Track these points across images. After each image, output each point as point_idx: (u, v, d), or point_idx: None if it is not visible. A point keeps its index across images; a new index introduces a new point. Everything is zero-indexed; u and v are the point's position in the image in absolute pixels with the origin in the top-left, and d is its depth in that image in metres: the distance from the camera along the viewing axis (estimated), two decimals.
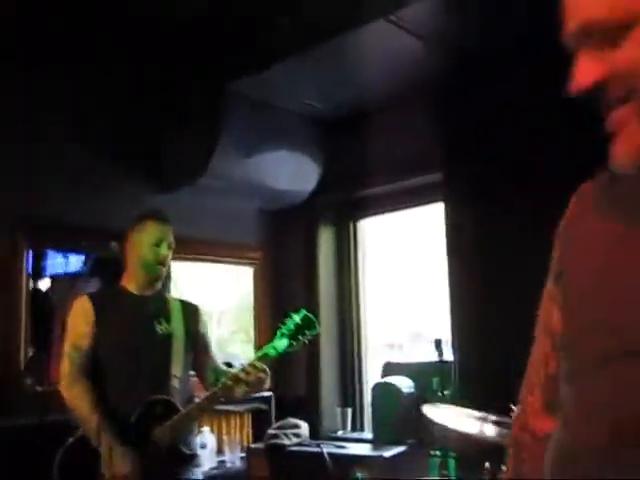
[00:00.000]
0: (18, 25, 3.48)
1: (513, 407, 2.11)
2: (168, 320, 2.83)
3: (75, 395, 2.66)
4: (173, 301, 2.94)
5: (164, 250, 2.84)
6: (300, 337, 2.74)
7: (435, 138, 3.87)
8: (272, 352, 2.69)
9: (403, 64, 3.69)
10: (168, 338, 2.79)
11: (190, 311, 2.93)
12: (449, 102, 3.74)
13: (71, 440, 2.61)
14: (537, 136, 3.34)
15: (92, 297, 2.86)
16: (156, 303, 2.87)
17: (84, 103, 3.96)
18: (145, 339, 2.76)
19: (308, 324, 2.77)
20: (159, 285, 2.93)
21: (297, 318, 2.77)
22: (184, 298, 3.04)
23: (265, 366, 2.67)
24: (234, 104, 3.97)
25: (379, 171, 4.24)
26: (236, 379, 2.64)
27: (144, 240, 2.83)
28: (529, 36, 3.08)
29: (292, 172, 4.42)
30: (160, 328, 2.79)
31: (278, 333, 2.75)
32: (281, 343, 2.70)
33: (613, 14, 0.80)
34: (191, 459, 2.77)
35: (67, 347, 2.77)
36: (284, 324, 2.77)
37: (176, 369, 2.77)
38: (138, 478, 2.52)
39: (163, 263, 2.85)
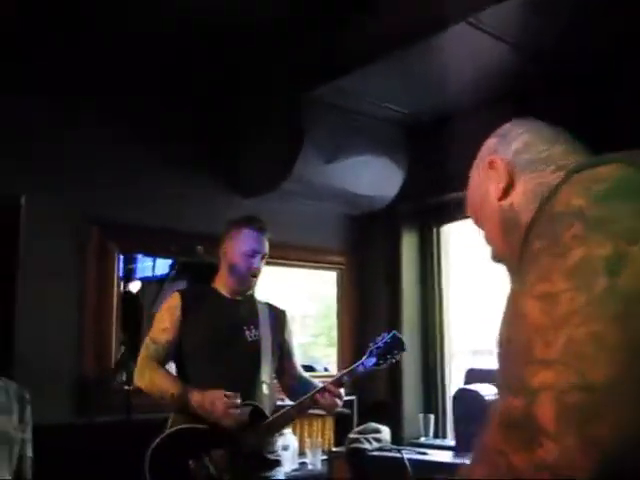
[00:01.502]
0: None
1: None
2: (257, 326, 2.84)
3: (148, 376, 2.70)
4: (261, 305, 2.94)
5: (257, 262, 2.83)
6: (388, 357, 2.75)
7: None
8: (360, 370, 2.73)
9: (486, 67, 3.62)
10: (257, 344, 2.81)
11: (277, 316, 2.95)
12: (532, 105, 3.66)
13: (160, 438, 2.65)
14: (628, 139, 3.22)
15: (183, 294, 2.88)
16: (246, 308, 2.89)
17: (166, 109, 4.08)
18: (234, 344, 2.79)
19: (397, 344, 2.78)
20: (250, 291, 2.95)
21: (387, 337, 2.77)
22: (271, 302, 3.04)
23: (342, 391, 2.71)
24: (316, 109, 4.00)
25: (462, 175, 4.16)
26: (313, 401, 2.67)
27: (238, 249, 2.83)
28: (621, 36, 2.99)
29: (375, 177, 4.41)
30: (249, 334, 2.81)
31: (367, 351, 2.76)
32: (369, 361, 2.72)
33: None
34: (274, 465, 2.78)
35: (147, 339, 2.83)
36: (374, 342, 2.77)
37: (264, 375, 2.79)
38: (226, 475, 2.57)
39: (255, 275, 2.85)
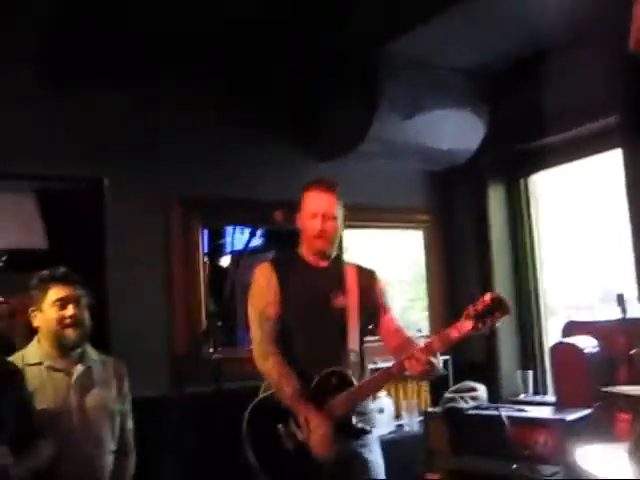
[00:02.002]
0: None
1: None
2: (344, 292, 2.78)
3: (271, 367, 2.66)
4: (350, 269, 2.85)
5: (319, 222, 2.73)
6: (487, 320, 2.43)
7: (609, 79, 3.57)
8: (455, 335, 2.46)
9: (570, 3, 3.41)
10: (344, 311, 2.74)
11: (366, 279, 2.85)
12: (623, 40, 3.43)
13: (256, 400, 2.68)
14: None
15: (274, 264, 2.84)
16: (332, 275, 2.81)
17: (243, 79, 4.07)
18: (321, 313, 2.73)
19: (500, 306, 2.44)
20: (333, 254, 2.84)
21: (488, 300, 2.44)
22: (361, 263, 2.94)
23: (431, 359, 2.49)
24: (392, 65, 3.90)
25: (549, 120, 4.00)
26: (402, 367, 2.54)
27: (303, 212, 2.77)
28: None
29: (455, 130, 4.27)
30: (336, 302, 2.75)
31: (464, 314, 2.47)
32: (465, 326, 2.43)
33: None
34: (361, 433, 2.69)
35: (255, 315, 2.76)
36: (473, 305, 2.46)
37: (352, 342, 2.72)
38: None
39: (322, 235, 2.74)
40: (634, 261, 3.51)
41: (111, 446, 2.82)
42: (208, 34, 3.72)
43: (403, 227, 4.84)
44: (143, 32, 3.60)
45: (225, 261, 4.75)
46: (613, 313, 3.44)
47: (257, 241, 4.39)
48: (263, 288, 2.78)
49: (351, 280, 2.80)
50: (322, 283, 2.78)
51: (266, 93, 4.15)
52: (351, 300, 2.76)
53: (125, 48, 3.61)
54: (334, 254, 2.86)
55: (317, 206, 2.73)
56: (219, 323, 2.80)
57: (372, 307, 2.81)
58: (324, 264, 2.82)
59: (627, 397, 2.50)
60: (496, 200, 4.68)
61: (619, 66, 3.48)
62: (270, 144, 4.17)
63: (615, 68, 3.51)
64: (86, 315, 2.79)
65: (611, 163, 3.88)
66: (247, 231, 4.32)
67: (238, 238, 4.40)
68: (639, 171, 3.48)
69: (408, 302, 5.03)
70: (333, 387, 2.61)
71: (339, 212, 2.77)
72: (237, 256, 4.25)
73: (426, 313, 4.90)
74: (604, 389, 2.52)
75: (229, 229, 4.47)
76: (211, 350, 2.81)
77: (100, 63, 3.57)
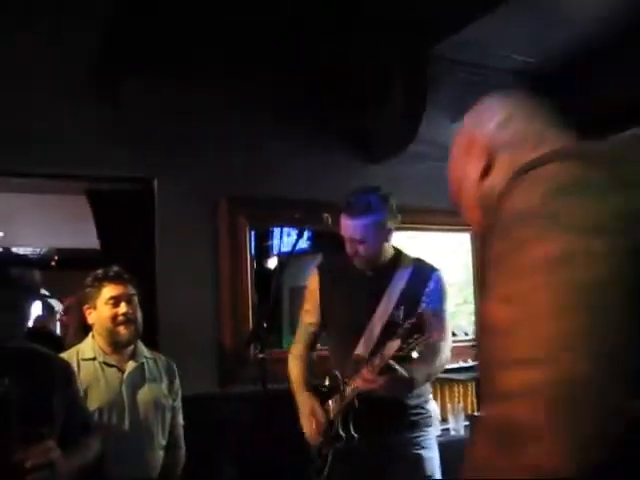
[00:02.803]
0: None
1: None
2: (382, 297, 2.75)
3: (293, 368, 2.88)
4: (406, 263, 2.80)
5: (354, 246, 2.71)
6: (410, 341, 2.38)
7: None
8: (386, 353, 2.47)
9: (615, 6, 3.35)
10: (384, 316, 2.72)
11: (419, 273, 2.77)
12: None
13: None
14: None
15: (320, 271, 2.93)
16: (377, 281, 2.78)
17: (292, 78, 4.06)
18: (362, 319, 2.74)
19: (422, 327, 2.37)
20: (380, 261, 2.81)
21: (415, 319, 2.38)
22: (422, 258, 2.89)
23: (376, 377, 2.46)
24: (439, 66, 3.87)
25: (590, 124, 3.91)
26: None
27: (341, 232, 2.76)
28: None
29: None
30: (376, 308, 2.72)
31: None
32: (393, 345, 2.43)
33: None
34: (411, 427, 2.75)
35: (301, 317, 2.96)
36: (402, 324, 2.46)
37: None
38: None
39: (356, 256, 2.73)
40: None
41: (162, 441, 2.87)
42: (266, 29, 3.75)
43: (452, 230, 4.80)
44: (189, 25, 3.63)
45: (272, 263, 4.78)
46: None
47: (304, 243, 4.40)
48: (307, 295, 2.95)
49: (400, 278, 2.75)
50: (366, 289, 2.77)
51: (316, 94, 4.14)
52: (390, 301, 2.71)
53: (174, 45, 3.65)
54: (386, 258, 2.82)
55: (345, 231, 2.73)
56: (265, 324, 2.83)
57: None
58: (369, 272, 2.81)
59: None
60: None
61: None
62: (320, 146, 4.17)
63: None
64: (138, 313, 2.86)
65: None
66: (294, 233, 4.35)
67: (285, 240, 4.43)
68: None
69: (455, 307, 4.98)
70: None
71: (371, 232, 2.69)
72: (284, 258, 4.28)
73: (473, 317, 4.85)
74: None
75: (277, 230, 4.49)
76: (257, 350, 2.85)
77: (147, 59, 3.62)
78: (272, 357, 2.91)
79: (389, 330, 2.56)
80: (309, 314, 2.91)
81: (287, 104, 4.06)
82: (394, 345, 2.39)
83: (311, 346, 2.94)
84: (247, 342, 3.32)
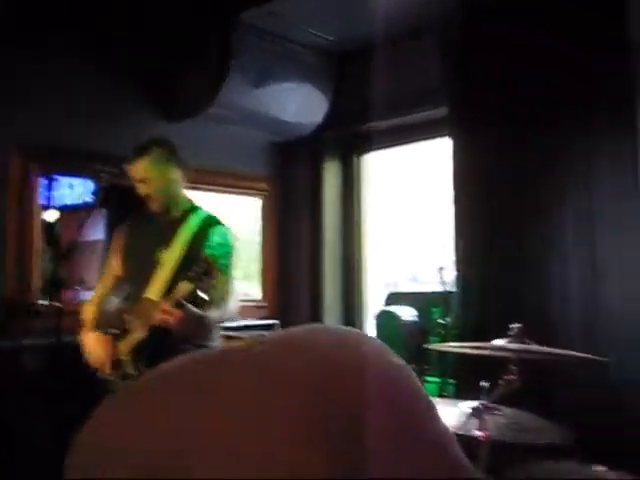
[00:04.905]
0: None
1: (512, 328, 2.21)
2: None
3: (86, 313, 2.90)
4: (194, 219, 2.90)
5: (138, 187, 2.85)
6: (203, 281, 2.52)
7: (441, 72, 3.87)
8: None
9: None
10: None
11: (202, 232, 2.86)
12: (455, 35, 3.71)
13: None
14: (544, 69, 3.33)
15: (127, 225, 3.02)
16: (164, 227, 2.86)
17: (96, 27, 3.96)
18: (147, 264, 2.82)
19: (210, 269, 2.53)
20: (172, 207, 2.90)
21: (202, 261, 2.54)
22: (210, 214, 2.98)
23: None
24: (244, 34, 3.97)
25: (386, 105, 4.25)
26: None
27: None
28: None
29: (300, 104, 4.44)
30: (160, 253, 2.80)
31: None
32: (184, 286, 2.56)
33: None
34: None
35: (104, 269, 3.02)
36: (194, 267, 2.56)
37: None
38: None
39: (147, 198, 2.85)
40: (453, 237, 3.82)
41: None
42: None
43: (243, 193, 4.94)
44: None
45: (53, 216, 4.59)
46: (434, 285, 3.78)
47: (89, 197, 4.29)
48: (112, 245, 3.02)
49: (187, 230, 2.84)
50: (152, 235, 2.87)
51: (125, 48, 4.08)
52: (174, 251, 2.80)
53: None
54: (180, 209, 2.91)
55: (130, 175, 2.85)
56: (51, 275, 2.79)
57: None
58: (160, 218, 2.89)
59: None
60: (332, 174, 4.91)
61: (450, 60, 3.79)
62: (120, 101, 4.10)
63: (447, 62, 3.82)
64: None
65: (439, 148, 4.22)
66: (80, 185, 4.24)
67: (70, 192, 4.30)
68: (465, 159, 3.79)
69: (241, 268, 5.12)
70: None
71: (150, 171, 2.81)
72: (67, 212, 4.14)
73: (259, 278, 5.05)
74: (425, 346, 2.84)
75: (63, 181, 4.33)
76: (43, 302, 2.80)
77: None
78: (66, 310, 2.88)
79: (179, 275, 2.65)
80: (109, 266, 3.00)
81: (92, 56, 3.97)
82: (185, 288, 2.49)
83: (109, 296, 2.95)
84: (41, 292, 3.24)
